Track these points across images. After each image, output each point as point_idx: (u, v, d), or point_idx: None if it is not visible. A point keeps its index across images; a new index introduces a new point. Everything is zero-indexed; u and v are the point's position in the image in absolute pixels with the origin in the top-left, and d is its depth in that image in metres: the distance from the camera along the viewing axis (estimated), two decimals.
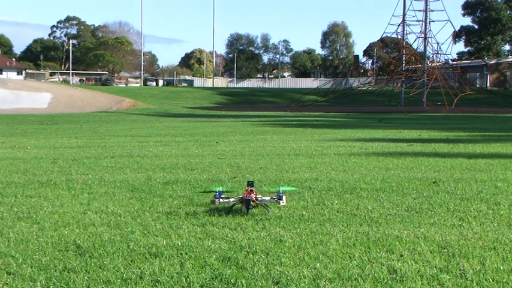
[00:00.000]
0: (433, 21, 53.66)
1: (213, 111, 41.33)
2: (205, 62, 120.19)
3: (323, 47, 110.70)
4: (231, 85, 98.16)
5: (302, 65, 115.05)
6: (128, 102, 51.02)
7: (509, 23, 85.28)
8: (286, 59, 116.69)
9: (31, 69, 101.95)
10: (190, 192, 6.33)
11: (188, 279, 3.27)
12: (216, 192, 5.43)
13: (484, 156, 10.36)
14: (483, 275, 3.37)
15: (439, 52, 53.93)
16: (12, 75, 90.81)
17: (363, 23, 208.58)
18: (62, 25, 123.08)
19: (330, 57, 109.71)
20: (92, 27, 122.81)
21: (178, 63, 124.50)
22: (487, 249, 3.90)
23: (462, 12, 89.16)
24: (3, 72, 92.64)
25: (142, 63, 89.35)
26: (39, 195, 6.19)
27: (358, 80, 63.83)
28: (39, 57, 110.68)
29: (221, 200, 5.32)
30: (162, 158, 10.18)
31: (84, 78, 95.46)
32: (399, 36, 56.14)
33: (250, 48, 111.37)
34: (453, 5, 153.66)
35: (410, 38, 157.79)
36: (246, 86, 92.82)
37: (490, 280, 3.29)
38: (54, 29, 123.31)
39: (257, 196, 5.15)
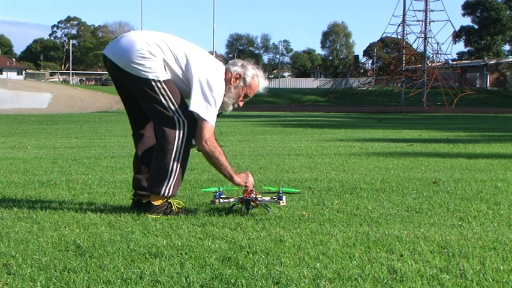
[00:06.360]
0: (433, 21, 53.71)
1: None
2: None
3: (323, 47, 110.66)
4: None
5: (302, 65, 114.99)
6: None
7: (509, 23, 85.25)
8: (286, 59, 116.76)
9: (31, 69, 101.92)
10: (190, 192, 6.33)
11: (188, 279, 3.26)
12: (216, 192, 5.42)
13: (484, 156, 10.36)
14: (483, 275, 3.36)
15: (439, 52, 53.96)
16: (12, 75, 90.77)
17: (363, 23, 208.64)
18: (62, 25, 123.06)
19: (330, 57, 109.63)
20: (92, 27, 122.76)
21: None
22: (487, 249, 3.89)
23: (462, 12, 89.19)
24: (3, 72, 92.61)
25: None
26: (39, 195, 6.18)
27: (358, 80, 63.78)
28: (39, 57, 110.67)
29: (221, 200, 5.31)
30: None
31: (84, 78, 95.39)
32: (399, 36, 56.13)
33: (250, 48, 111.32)
34: (453, 5, 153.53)
35: (410, 38, 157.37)
36: None
37: (490, 280, 3.28)
38: (55, 29, 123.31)
39: (257, 196, 5.14)
